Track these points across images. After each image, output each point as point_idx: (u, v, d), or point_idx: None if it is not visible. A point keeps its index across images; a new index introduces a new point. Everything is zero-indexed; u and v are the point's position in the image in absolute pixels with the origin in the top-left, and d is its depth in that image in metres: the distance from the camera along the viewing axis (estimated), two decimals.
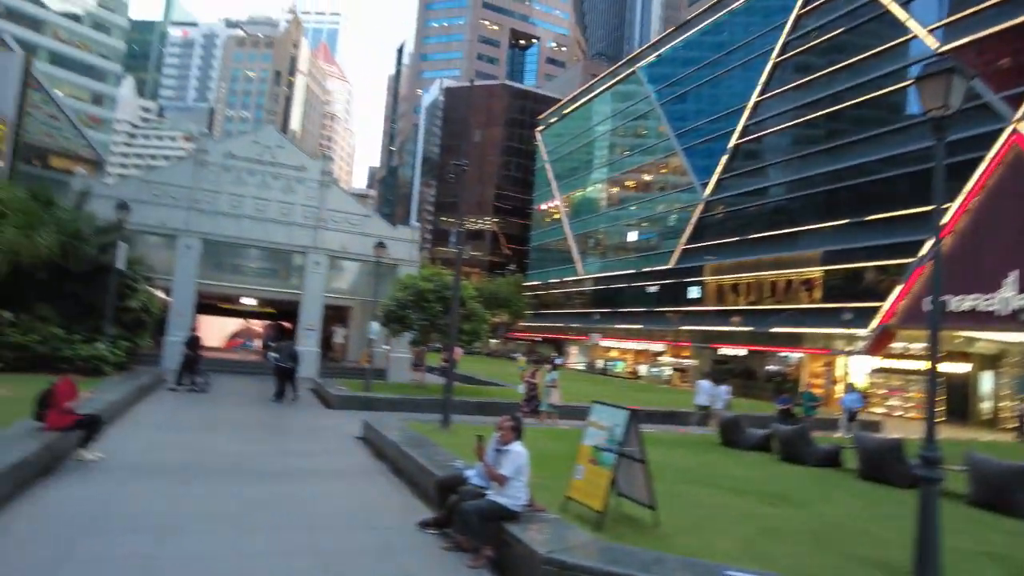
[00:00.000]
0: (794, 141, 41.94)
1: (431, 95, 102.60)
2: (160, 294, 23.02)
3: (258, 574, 5.31)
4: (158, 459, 9.29)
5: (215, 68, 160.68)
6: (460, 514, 6.13)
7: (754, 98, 44.78)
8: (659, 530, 6.58)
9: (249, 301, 30.75)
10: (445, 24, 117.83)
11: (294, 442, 11.92)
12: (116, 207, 17.66)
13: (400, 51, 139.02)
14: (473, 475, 6.75)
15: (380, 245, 21.11)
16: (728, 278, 45.87)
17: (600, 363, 58.47)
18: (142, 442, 10.36)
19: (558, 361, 27.46)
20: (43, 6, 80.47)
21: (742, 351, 44.19)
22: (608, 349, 59.08)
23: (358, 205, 30.57)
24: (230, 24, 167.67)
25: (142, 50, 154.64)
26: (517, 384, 18.85)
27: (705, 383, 20.71)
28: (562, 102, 78.07)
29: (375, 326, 20.91)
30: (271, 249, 26.54)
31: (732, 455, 13.36)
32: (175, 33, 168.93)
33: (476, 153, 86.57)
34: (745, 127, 45.39)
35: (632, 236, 59.14)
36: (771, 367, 42.26)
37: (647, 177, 58.45)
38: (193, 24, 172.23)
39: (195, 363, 17.73)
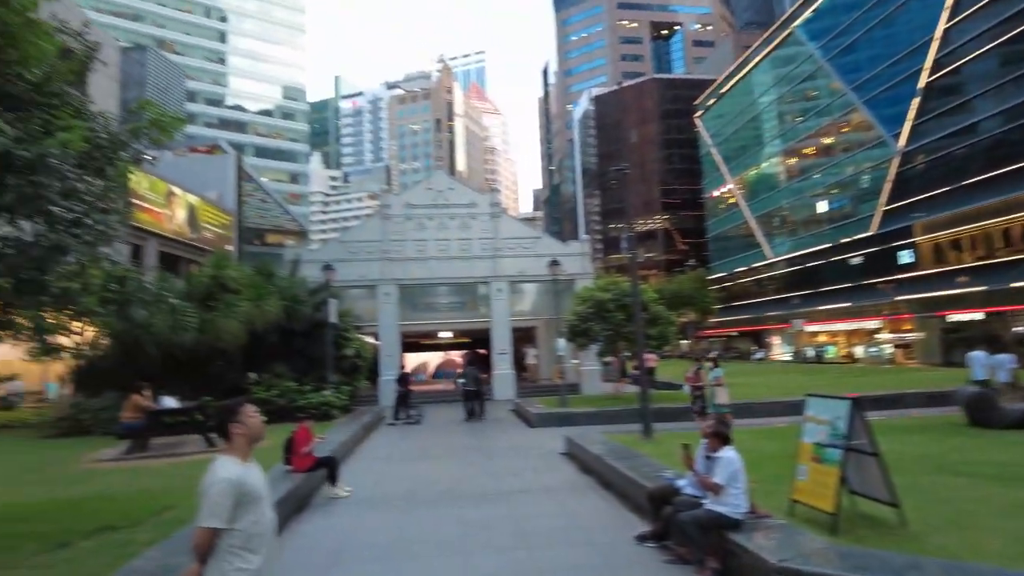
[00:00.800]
0: (1003, 62, 35.79)
1: (581, 107, 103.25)
2: (369, 339, 25.42)
3: None
4: (386, 490, 10.14)
5: (384, 128, 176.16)
6: (677, 525, 5.90)
7: (942, 25, 39.07)
8: (907, 530, 5.78)
9: (446, 334, 32.86)
10: (584, 35, 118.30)
11: (501, 462, 12.36)
12: (322, 269, 19.94)
13: (545, 72, 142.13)
14: (685, 484, 6.47)
15: (553, 263, 21.43)
16: (946, 234, 40.02)
17: (809, 350, 53.75)
18: (372, 475, 11.39)
19: (711, 354, 25.45)
20: (243, 110, 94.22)
21: (977, 315, 38.12)
22: (815, 334, 54.23)
23: (528, 229, 31.46)
24: (390, 86, 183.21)
25: (322, 127, 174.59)
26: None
27: (979, 354, 17.78)
28: (717, 82, 74.30)
29: (561, 342, 21.20)
30: (457, 284, 28.17)
31: (986, 437, 11.46)
32: (346, 106, 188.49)
33: (635, 154, 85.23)
34: (937, 61, 39.70)
35: (822, 206, 54.05)
36: (1021, 328, 35.90)
37: (827, 140, 53.30)
38: (359, 94, 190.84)
39: (407, 397, 19.37)
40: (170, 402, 13.39)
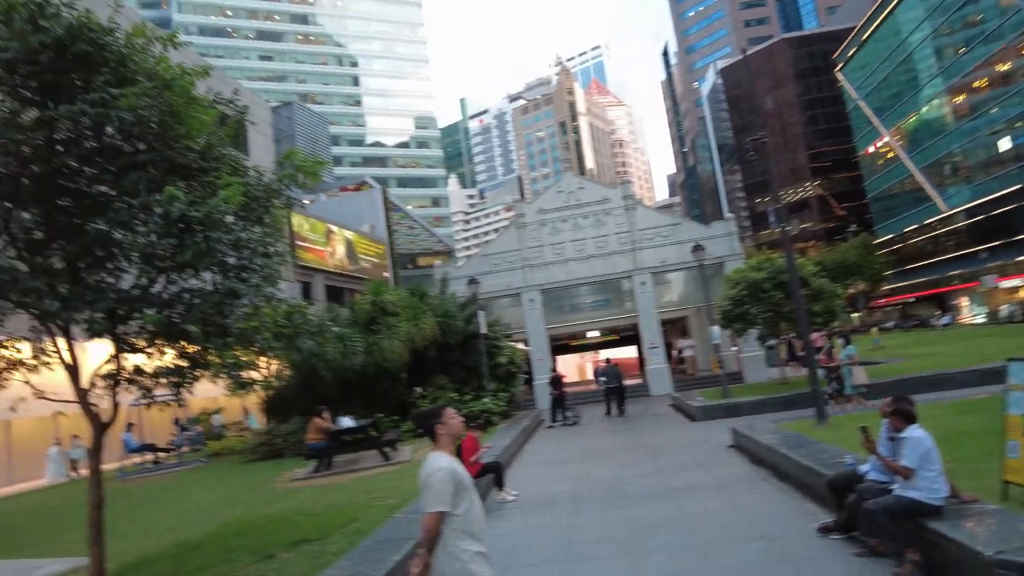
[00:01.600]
0: None
1: (708, 82, 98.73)
2: (520, 346, 25.99)
3: None
4: (552, 491, 10.26)
5: (512, 141, 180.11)
6: (865, 515, 5.38)
7: None
8: None
9: (593, 333, 32.76)
10: (701, 8, 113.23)
11: (666, 459, 12.03)
12: (468, 284, 20.75)
13: (665, 53, 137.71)
14: (868, 470, 5.89)
15: (697, 248, 20.61)
16: None
17: (1004, 309, 46.86)
18: (537, 478, 11.59)
19: (837, 326, 22.56)
20: (383, 145, 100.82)
21: None
22: (1013, 290, 47.30)
23: (665, 217, 30.55)
24: (512, 98, 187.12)
25: (454, 149, 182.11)
26: (888, 359, 16.15)
27: None
28: (856, 29, 67.61)
29: (716, 330, 20.29)
30: (599, 282, 28.00)
31: None
32: (474, 125, 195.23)
33: (774, 121, 79.82)
34: None
35: (1004, 144, 47.13)
36: None
37: (1002, 67, 46.42)
38: (484, 112, 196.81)
39: (562, 399, 19.58)
40: (347, 422, 14.55)
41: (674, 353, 31.56)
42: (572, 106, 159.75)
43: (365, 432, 14.16)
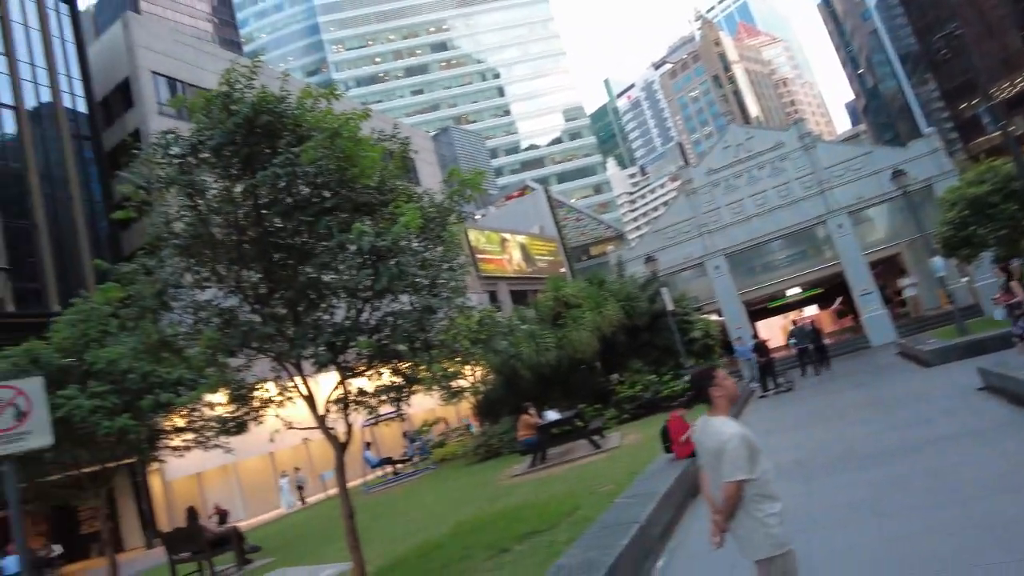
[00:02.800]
0: None
1: None
2: (713, 317, 24.88)
3: (919, 556, 4.80)
4: (778, 460, 9.58)
5: (665, 108, 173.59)
6: None
7: None
8: None
9: (793, 291, 30.39)
10: None
11: (902, 413, 10.76)
12: (645, 263, 20.34)
13: None
14: None
15: (898, 174, 18.25)
16: None
17: None
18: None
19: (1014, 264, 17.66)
20: (537, 147, 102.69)
21: None
22: None
23: (852, 148, 27.51)
24: (656, 65, 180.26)
25: (607, 132, 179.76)
26: None
27: None
28: None
29: (938, 261, 17.79)
30: (789, 234, 25.93)
31: None
32: (622, 103, 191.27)
33: (965, 8, 68.10)
34: None
35: None
36: None
37: None
38: (631, 87, 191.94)
39: (770, 366, 18.37)
40: (552, 415, 14.96)
41: (894, 295, 28.20)
42: (722, 57, 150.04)
43: (571, 423, 14.44)
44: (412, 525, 11.17)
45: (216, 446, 11.33)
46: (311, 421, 6.96)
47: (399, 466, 21.73)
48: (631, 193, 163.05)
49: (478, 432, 22.80)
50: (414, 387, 6.34)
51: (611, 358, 18.96)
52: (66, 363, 9.83)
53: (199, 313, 6.83)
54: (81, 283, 23.95)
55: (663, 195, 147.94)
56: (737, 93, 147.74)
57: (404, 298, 6.23)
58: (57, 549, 21.28)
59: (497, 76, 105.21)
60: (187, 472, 22.92)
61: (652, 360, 18.74)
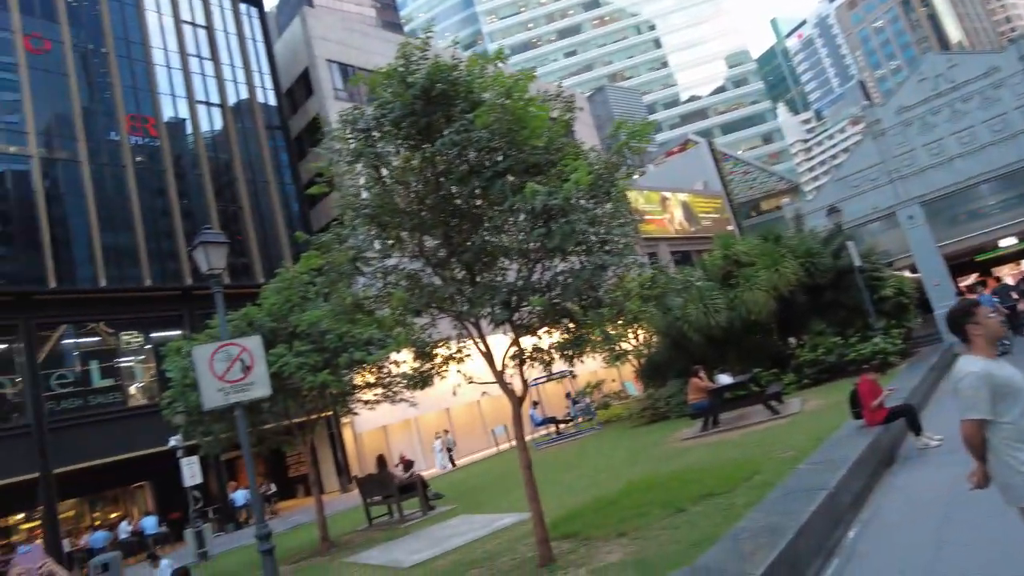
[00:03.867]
0: None
1: None
2: (907, 273, 22.31)
3: None
4: None
5: (842, 45, 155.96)
6: None
7: None
8: None
9: (1008, 241, 26.29)
10: None
11: None
12: (827, 215, 18.61)
13: None
14: None
15: None
16: None
17: None
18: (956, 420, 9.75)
19: None
20: (697, 98, 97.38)
21: None
22: None
23: None
24: None
25: (776, 77, 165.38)
26: None
27: None
28: None
29: None
30: (1004, 175, 22.35)
31: None
32: (792, 43, 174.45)
33: None
34: None
35: None
36: None
37: None
38: (802, 24, 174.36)
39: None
40: (726, 378, 14.39)
41: None
42: None
43: (746, 387, 13.79)
44: (584, 481, 11.42)
45: (402, 400, 12.35)
46: (489, 376, 7.31)
47: (562, 426, 22.24)
48: (806, 140, 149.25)
49: (641, 395, 22.59)
50: (585, 346, 6.38)
51: (789, 320, 17.72)
52: (275, 326, 11.17)
53: (387, 277, 7.40)
54: (280, 256, 27.02)
55: (843, 140, 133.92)
56: (933, 17, 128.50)
57: (574, 257, 6.26)
58: (272, 487, 24.64)
59: (652, 28, 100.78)
60: (374, 425, 25.28)
61: (837, 321, 17.24)
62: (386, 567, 8.70)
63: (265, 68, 30.01)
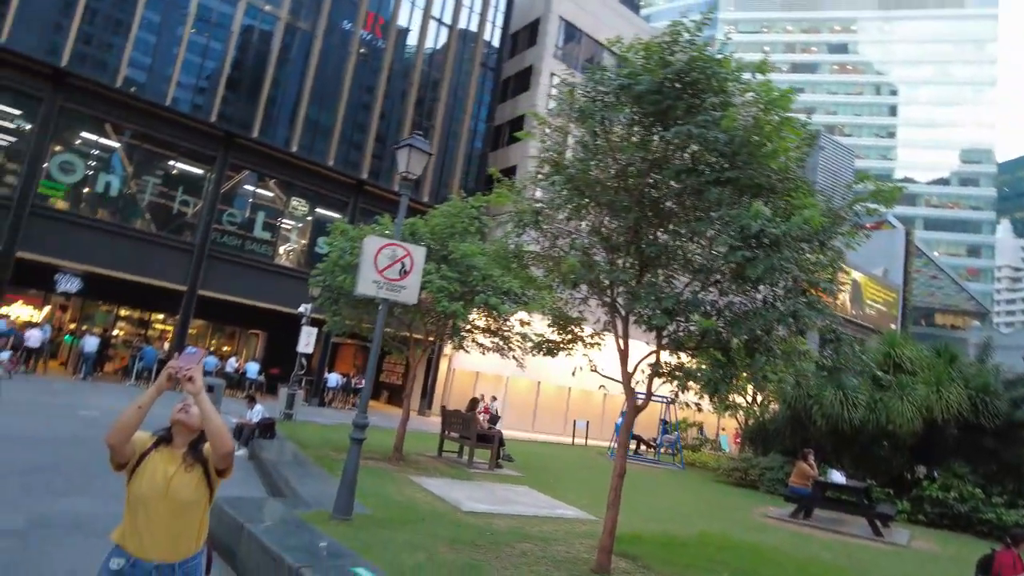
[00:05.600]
0: None
1: None
2: None
3: None
4: None
5: None
6: None
7: None
8: None
9: None
10: None
11: None
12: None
13: None
14: None
15: None
16: None
17: None
18: None
19: None
20: (913, 181, 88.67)
21: None
22: None
23: None
24: None
25: (1014, 189, 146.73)
26: None
27: None
28: None
29: None
30: None
31: None
32: None
33: None
34: None
35: None
36: None
37: None
38: None
39: None
40: (838, 477, 13.24)
41: None
42: None
43: (856, 496, 12.61)
44: (652, 509, 11.05)
45: (513, 357, 12.47)
46: (613, 373, 7.14)
47: (644, 448, 21.62)
48: (1018, 269, 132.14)
49: (735, 454, 21.45)
50: (730, 385, 5.99)
51: (930, 446, 15.93)
52: (432, 244, 11.57)
53: (557, 240, 7.36)
54: (449, 184, 28.01)
55: None
56: None
57: (760, 293, 5.87)
58: (363, 382, 26.06)
59: (894, 93, 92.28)
60: (470, 367, 25.95)
61: (986, 474, 15.27)
62: (444, 501, 8.90)
63: (502, 6, 30.69)
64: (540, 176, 7.05)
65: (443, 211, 12.32)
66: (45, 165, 19.78)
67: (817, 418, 15.60)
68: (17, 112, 19.70)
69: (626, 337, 6.84)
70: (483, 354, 13.14)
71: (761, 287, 5.44)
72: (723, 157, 5.40)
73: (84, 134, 20.92)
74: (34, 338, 18.24)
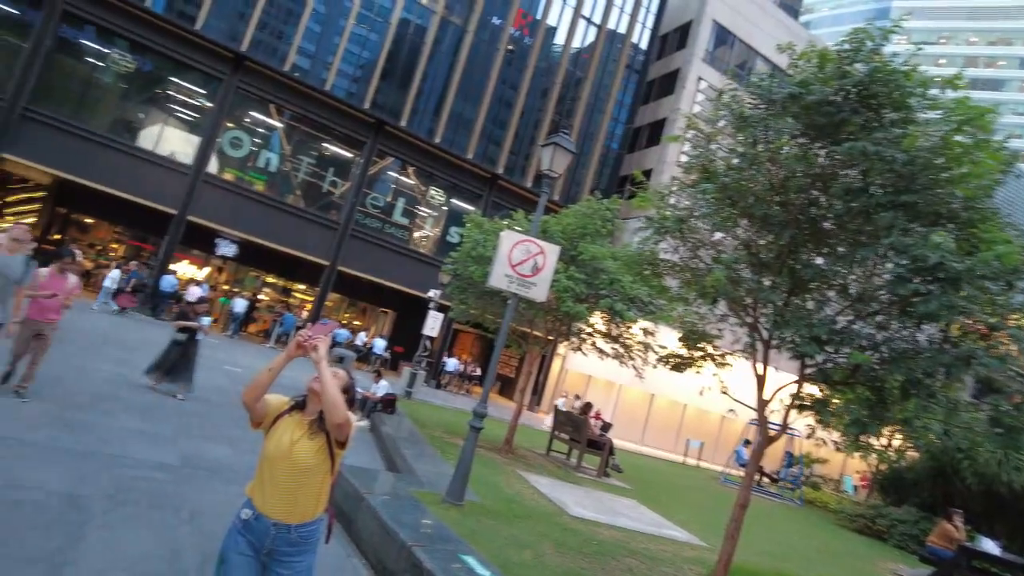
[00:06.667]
0: None
1: None
2: None
3: None
4: None
5: None
6: None
7: None
8: None
9: None
10: None
11: None
12: None
13: None
14: None
15: None
16: None
17: None
18: None
19: None
20: None
21: None
22: None
23: None
24: None
25: None
26: None
27: None
28: None
29: None
30: None
31: None
32: None
33: None
34: None
35: None
36: None
37: None
38: None
39: None
40: (990, 546, 11.74)
41: None
42: None
43: (1012, 570, 11.16)
44: (771, 546, 10.40)
45: (632, 366, 12.20)
46: (744, 396, 6.76)
47: (764, 479, 20.42)
48: None
49: (861, 499, 19.76)
50: (881, 426, 5.45)
51: None
52: (563, 243, 11.54)
53: (698, 251, 7.06)
54: (581, 185, 27.92)
55: None
56: None
57: (924, 331, 5.30)
58: (478, 370, 26.68)
59: None
60: (582, 369, 25.78)
61: None
62: (551, 501, 8.86)
63: (654, 7, 30.05)
64: (687, 183, 6.79)
65: (576, 211, 12.26)
66: (219, 140, 21.91)
67: (967, 475, 13.97)
68: (202, 91, 21.93)
69: (766, 362, 6.44)
70: (601, 359, 12.96)
71: (928, 324, 4.89)
72: (900, 179, 4.89)
73: (252, 113, 22.92)
74: (194, 295, 20.38)
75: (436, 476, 8.17)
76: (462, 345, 30.93)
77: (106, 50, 20.53)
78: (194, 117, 21.94)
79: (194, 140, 21.56)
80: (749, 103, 5.88)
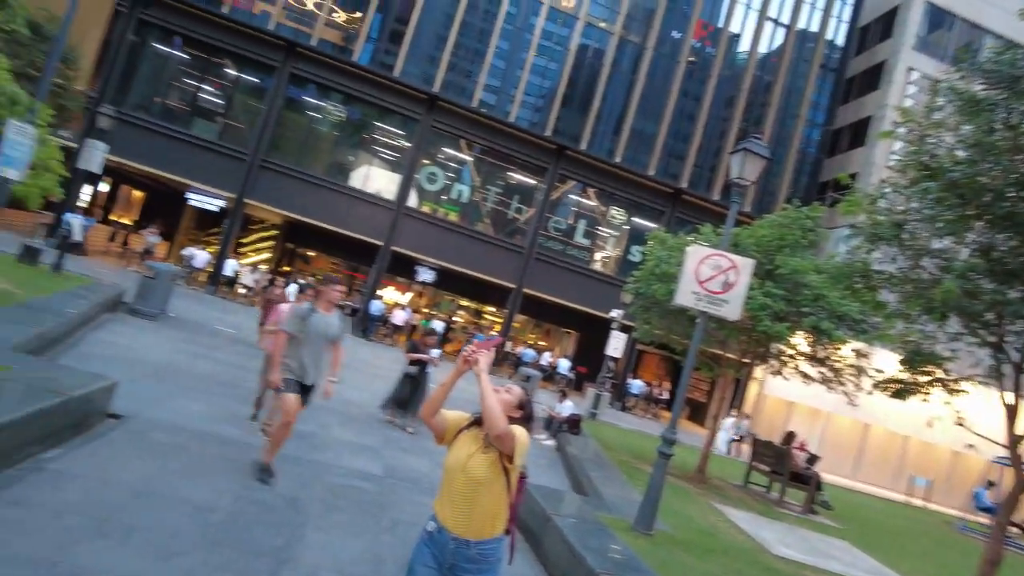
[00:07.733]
0: None
1: None
2: None
3: None
4: None
5: None
6: None
7: None
8: None
9: None
10: None
11: None
12: None
13: None
14: None
15: None
16: None
17: None
18: None
19: None
20: None
21: None
22: None
23: None
24: None
25: None
26: None
27: None
28: None
29: None
30: None
31: None
32: None
33: None
34: None
35: None
36: None
37: None
38: None
39: None
40: None
41: None
42: None
43: None
44: None
45: (843, 392, 10.97)
46: (984, 428, 5.71)
47: (1015, 530, 17.12)
48: None
49: None
50: None
51: None
52: (757, 257, 10.76)
53: (920, 259, 6.16)
54: (774, 193, 26.06)
55: None
56: None
57: None
58: (666, 393, 25.76)
59: None
60: (782, 394, 23.77)
61: None
62: (750, 537, 8.18)
63: None
64: (904, 183, 5.97)
65: (772, 221, 11.39)
66: (416, 176, 23.87)
67: None
68: (401, 132, 24.11)
69: (1017, 389, 5.39)
70: (805, 384, 11.82)
71: None
72: None
73: (445, 149, 24.67)
74: (399, 318, 22.42)
75: (623, 502, 7.93)
76: (647, 366, 30.16)
77: (323, 103, 23.49)
78: (395, 156, 24.15)
79: (396, 177, 23.71)
80: (981, 85, 5.02)
